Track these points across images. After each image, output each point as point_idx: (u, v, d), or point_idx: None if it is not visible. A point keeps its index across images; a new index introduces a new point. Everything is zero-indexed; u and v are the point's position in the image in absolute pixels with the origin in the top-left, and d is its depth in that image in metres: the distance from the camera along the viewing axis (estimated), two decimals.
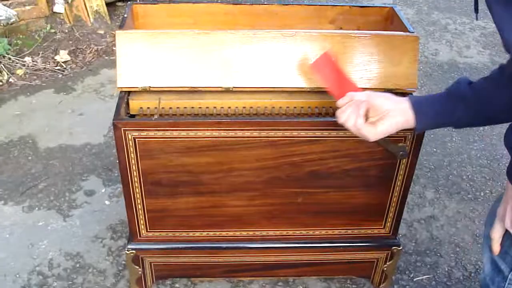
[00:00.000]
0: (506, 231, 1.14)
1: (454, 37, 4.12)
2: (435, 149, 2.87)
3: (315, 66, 1.57)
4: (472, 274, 2.16)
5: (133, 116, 1.69)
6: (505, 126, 1.20)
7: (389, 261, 1.96)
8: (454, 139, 2.96)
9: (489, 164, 2.79)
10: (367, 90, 1.45)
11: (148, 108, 1.67)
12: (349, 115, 1.39)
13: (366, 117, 1.38)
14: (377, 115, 1.36)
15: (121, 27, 1.73)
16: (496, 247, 1.19)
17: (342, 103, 1.44)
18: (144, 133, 1.57)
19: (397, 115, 1.33)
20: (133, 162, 1.62)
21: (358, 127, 1.37)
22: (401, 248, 1.92)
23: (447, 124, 1.34)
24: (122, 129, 1.55)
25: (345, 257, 1.94)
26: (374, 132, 1.36)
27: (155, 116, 1.61)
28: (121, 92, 1.68)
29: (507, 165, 1.10)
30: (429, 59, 3.80)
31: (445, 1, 4.69)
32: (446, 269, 2.19)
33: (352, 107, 1.40)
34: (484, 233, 1.29)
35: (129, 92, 1.68)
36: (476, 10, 1.22)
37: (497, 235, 1.17)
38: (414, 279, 2.14)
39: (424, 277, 2.16)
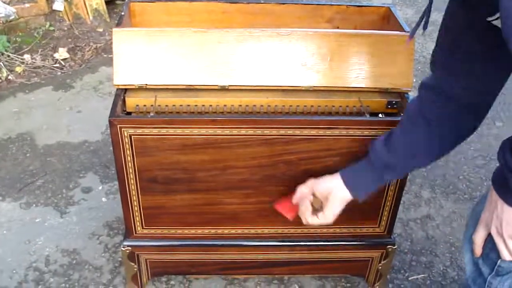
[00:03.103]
0: (489, 234, 1.15)
1: None
2: None
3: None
4: None
5: (129, 113, 1.70)
6: (502, 127, 1.22)
7: (384, 260, 1.96)
8: None
9: (486, 164, 2.80)
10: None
11: (144, 105, 1.68)
12: (302, 214, 1.57)
13: (319, 205, 1.54)
14: (322, 199, 1.51)
15: (118, 25, 1.74)
16: (479, 251, 1.20)
17: (295, 201, 1.60)
18: (140, 131, 1.57)
19: (336, 195, 1.47)
20: (129, 159, 1.62)
21: (312, 223, 1.54)
22: (396, 247, 1.93)
23: (382, 184, 1.47)
24: (118, 126, 1.56)
25: (339, 255, 1.94)
26: (325, 219, 1.51)
27: (151, 114, 1.61)
28: (117, 89, 1.69)
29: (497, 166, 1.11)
30: (427, 59, 3.80)
31: (444, 1, 4.67)
32: (441, 269, 2.20)
33: (302, 205, 1.57)
34: (465, 235, 1.30)
35: (125, 90, 1.69)
36: (425, 27, 1.32)
37: (480, 239, 1.18)
38: (409, 278, 2.15)
39: (419, 276, 2.17)
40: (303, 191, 1.56)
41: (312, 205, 1.55)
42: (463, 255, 1.31)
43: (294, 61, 1.66)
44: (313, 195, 1.54)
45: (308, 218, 1.54)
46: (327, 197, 1.48)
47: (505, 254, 1.12)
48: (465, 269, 1.30)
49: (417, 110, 1.33)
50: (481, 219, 1.17)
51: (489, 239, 1.16)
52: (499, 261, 1.16)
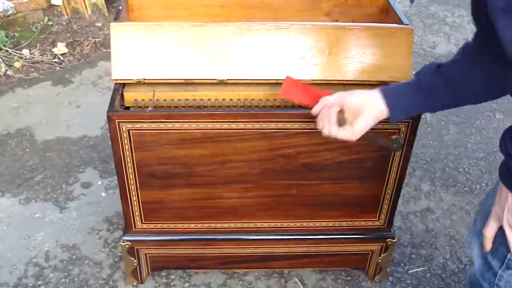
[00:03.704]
0: (499, 228, 1.15)
1: (452, 29, 4.11)
2: (431, 142, 2.88)
3: (284, 92, 1.58)
4: (467, 267, 2.17)
5: (128, 108, 1.69)
6: (502, 120, 1.21)
7: (383, 253, 1.96)
8: (450, 131, 2.96)
9: (486, 157, 2.79)
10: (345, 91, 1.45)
11: (143, 100, 1.67)
12: (323, 123, 1.42)
13: (343, 119, 1.39)
14: (352, 113, 1.37)
15: (116, 19, 1.74)
16: (489, 245, 1.19)
17: (316, 111, 1.46)
18: (138, 125, 1.57)
19: (371, 110, 1.35)
20: (127, 154, 1.62)
21: (333, 134, 1.40)
22: (395, 240, 1.93)
23: (421, 112, 1.39)
24: (116, 121, 1.56)
25: (339, 249, 1.94)
26: (352, 133, 1.38)
27: (149, 108, 1.61)
28: (116, 84, 1.68)
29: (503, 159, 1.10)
30: (427, 51, 3.80)
31: None
32: (441, 262, 2.20)
33: (325, 114, 1.41)
34: (474, 229, 1.29)
35: (124, 84, 1.68)
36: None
37: (490, 233, 1.17)
38: (409, 271, 2.15)
39: (419, 269, 2.16)
40: (329, 100, 1.41)
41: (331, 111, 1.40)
42: (472, 249, 1.30)
43: (292, 55, 1.65)
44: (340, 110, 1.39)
45: (333, 127, 1.39)
46: (358, 112, 1.35)
47: None
48: (474, 263, 1.28)
49: (473, 48, 1.26)
50: (492, 213, 1.16)
51: (499, 233, 1.16)
52: (509, 254, 1.16)
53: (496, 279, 1.20)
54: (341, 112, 1.39)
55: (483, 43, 1.23)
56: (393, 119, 1.35)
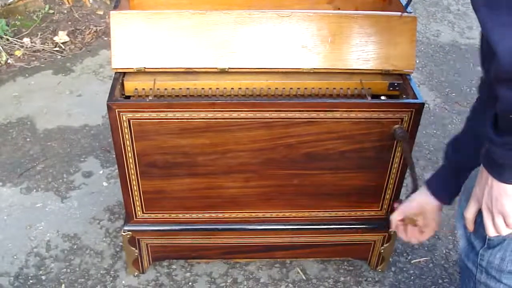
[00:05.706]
0: (479, 209, 1.15)
1: (456, 18, 4.08)
2: (435, 131, 2.86)
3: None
4: None
5: (128, 97, 1.68)
6: None
7: (386, 244, 1.95)
8: (454, 121, 2.94)
9: None
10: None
11: (143, 89, 1.66)
12: (408, 239, 1.56)
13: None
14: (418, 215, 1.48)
15: (115, 7, 1.72)
16: (470, 226, 1.20)
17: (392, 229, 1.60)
18: (138, 114, 1.56)
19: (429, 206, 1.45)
20: (127, 143, 1.61)
21: (422, 240, 1.54)
22: None
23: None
24: (116, 110, 1.54)
25: (342, 239, 1.93)
26: (432, 232, 1.50)
27: (150, 97, 1.59)
28: (116, 73, 1.67)
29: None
30: (431, 40, 3.77)
31: None
32: (444, 252, 2.19)
33: (402, 233, 1.56)
34: (457, 211, 1.30)
35: (124, 73, 1.67)
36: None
37: (471, 215, 1.18)
38: (412, 261, 2.14)
39: (422, 259, 2.15)
40: (396, 219, 1.54)
41: (408, 224, 1.53)
42: (457, 230, 1.31)
43: (294, 43, 1.64)
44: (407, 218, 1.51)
45: (417, 240, 1.54)
46: (421, 213, 1.47)
47: (490, 231, 1.12)
48: (460, 244, 1.30)
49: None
50: (472, 195, 1.16)
51: (479, 214, 1.16)
52: None
53: (479, 259, 1.22)
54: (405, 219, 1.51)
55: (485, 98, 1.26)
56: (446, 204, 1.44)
